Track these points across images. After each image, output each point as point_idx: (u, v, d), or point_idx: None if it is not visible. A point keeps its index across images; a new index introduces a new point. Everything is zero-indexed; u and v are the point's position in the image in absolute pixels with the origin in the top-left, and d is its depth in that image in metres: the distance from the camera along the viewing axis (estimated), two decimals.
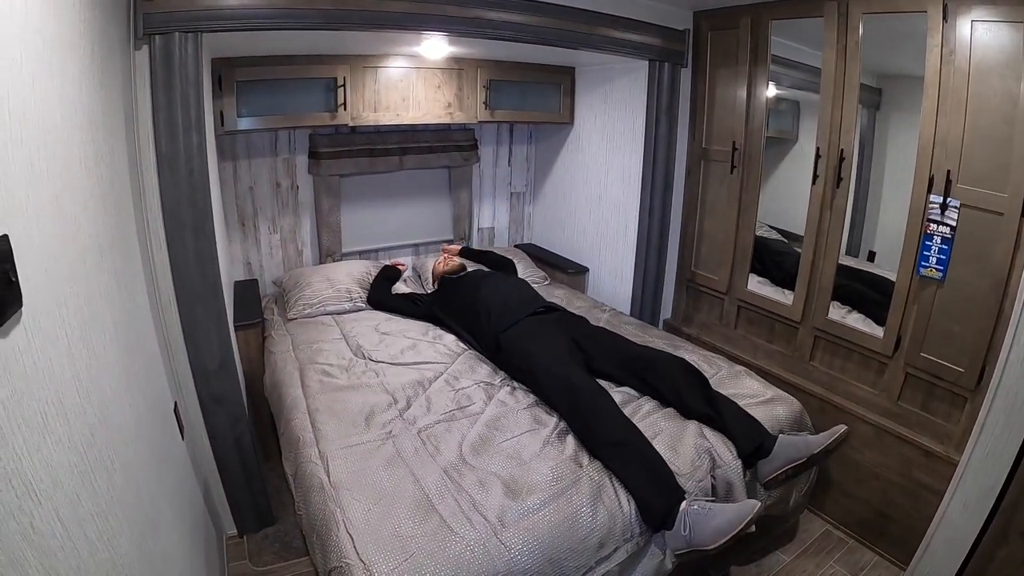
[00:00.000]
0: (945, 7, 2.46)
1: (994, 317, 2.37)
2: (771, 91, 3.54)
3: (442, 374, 2.83)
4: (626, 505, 2.05)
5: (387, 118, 3.63)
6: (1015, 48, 2.29)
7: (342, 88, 3.41)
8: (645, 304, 3.81)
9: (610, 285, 4.16)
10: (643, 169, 3.61)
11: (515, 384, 2.78)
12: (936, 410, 2.67)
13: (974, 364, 2.47)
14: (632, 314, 3.84)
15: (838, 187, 2.96)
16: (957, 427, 2.56)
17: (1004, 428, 2.23)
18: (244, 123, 3.31)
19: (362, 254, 4.23)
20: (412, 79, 3.68)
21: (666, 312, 4.06)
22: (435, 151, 4.20)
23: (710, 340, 3.71)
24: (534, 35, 2.99)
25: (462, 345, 3.17)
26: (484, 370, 2.91)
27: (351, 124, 3.53)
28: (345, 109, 3.44)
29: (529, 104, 4.20)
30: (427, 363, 2.92)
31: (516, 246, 4.80)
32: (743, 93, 3.35)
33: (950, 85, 2.48)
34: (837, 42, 2.88)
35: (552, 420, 2.45)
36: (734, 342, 3.63)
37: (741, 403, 2.58)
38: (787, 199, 3.34)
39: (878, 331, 2.82)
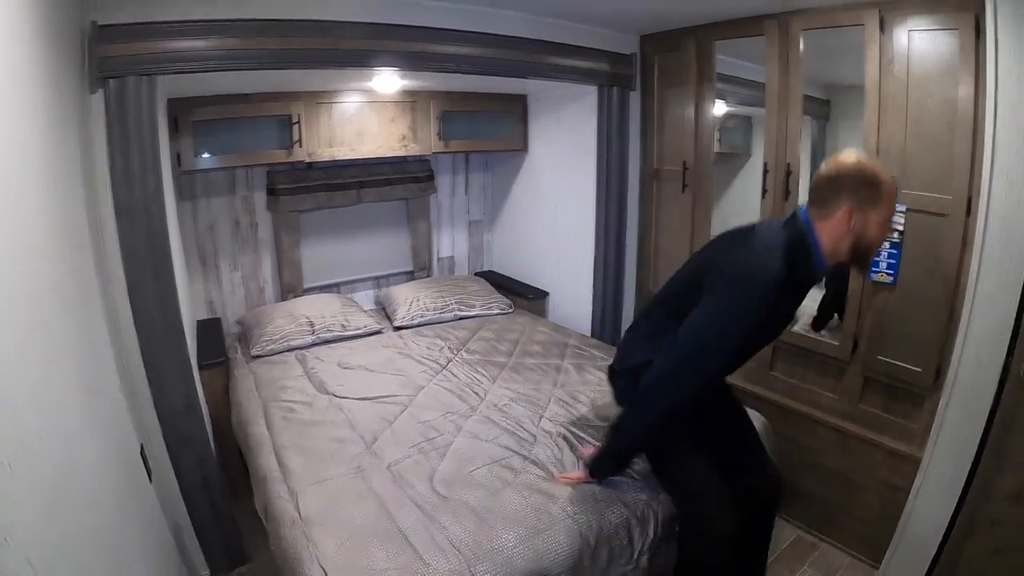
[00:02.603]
0: (882, 18, 2.65)
1: (946, 316, 2.53)
2: (722, 109, 3.78)
3: (407, 407, 2.90)
4: (593, 539, 2.09)
5: (342, 153, 3.80)
6: (952, 54, 2.46)
7: (297, 125, 3.55)
8: (606, 325, 3.97)
9: (570, 308, 4.31)
10: (596, 191, 3.79)
11: (484, 415, 2.85)
12: (897, 410, 2.80)
13: (930, 363, 2.61)
14: (593, 335, 4.00)
15: (787, 200, 3.14)
16: (918, 425, 2.68)
17: (962, 423, 2.36)
18: (202, 163, 3.41)
19: (324, 288, 4.31)
20: (366, 113, 3.87)
21: None
22: (392, 183, 4.35)
23: None
24: (484, 66, 3.17)
25: (427, 375, 3.23)
26: (449, 400, 2.97)
27: (307, 160, 3.68)
28: (300, 145, 3.59)
29: (483, 133, 4.41)
30: (391, 396, 2.99)
31: (477, 274, 4.94)
32: (691, 113, 3.55)
33: (890, 93, 2.66)
34: (779, 58, 3.08)
35: (522, 449, 2.52)
36: None
37: None
38: (743, 213, 3.49)
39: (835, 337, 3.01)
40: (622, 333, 3.95)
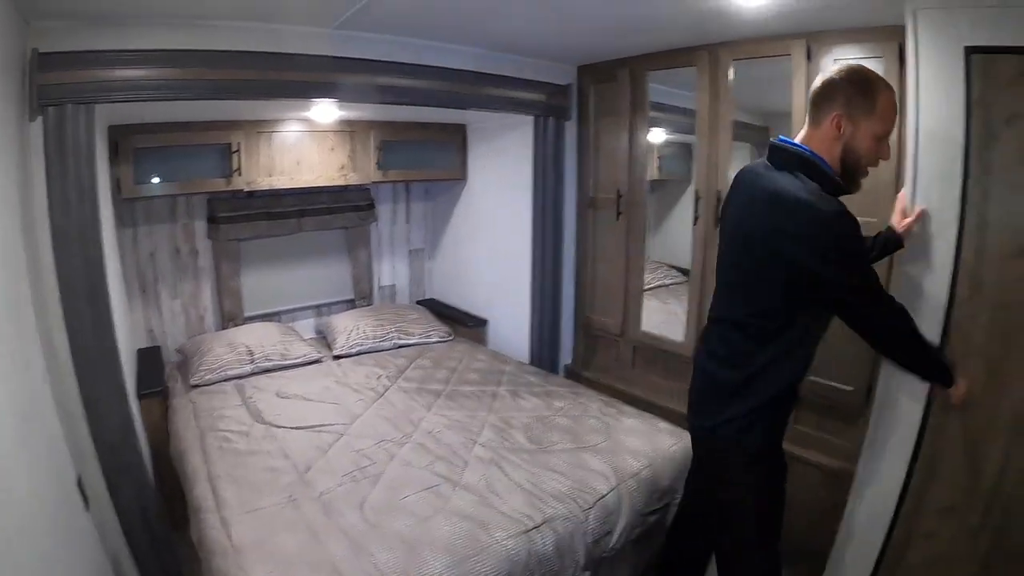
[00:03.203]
0: (809, 48, 2.89)
1: None
2: (661, 136, 4.07)
3: (342, 435, 3.02)
4: (522, 565, 2.22)
5: (281, 182, 3.96)
6: None
7: (236, 154, 3.70)
8: (544, 352, 4.18)
9: (510, 335, 4.51)
10: (533, 219, 4.03)
11: (417, 442, 2.98)
12: (832, 429, 3.01)
13: (861, 382, 2.83)
14: (532, 363, 4.19)
15: (717, 227, 3.17)
16: (852, 443, 2.82)
17: (892, 438, 2.51)
18: (142, 190, 3.51)
19: (265, 317, 4.45)
20: (306, 142, 4.05)
21: (567, 358, 4.44)
22: (332, 212, 4.55)
23: (609, 383, 4.04)
24: (422, 98, 3.37)
25: (364, 404, 3.38)
26: (384, 428, 3.10)
27: (246, 189, 3.81)
28: (240, 174, 3.74)
29: (423, 162, 4.63)
30: (327, 425, 3.12)
31: (418, 302, 5.15)
32: (625, 142, 3.82)
33: None
34: (710, 87, 3.34)
35: (453, 476, 2.66)
36: (633, 382, 3.99)
37: (635, 439, 2.98)
38: (684, 238, 3.68)
39: None
40: (560, 359, 4.23)
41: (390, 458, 2.84)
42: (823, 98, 1.89)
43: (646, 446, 2.99)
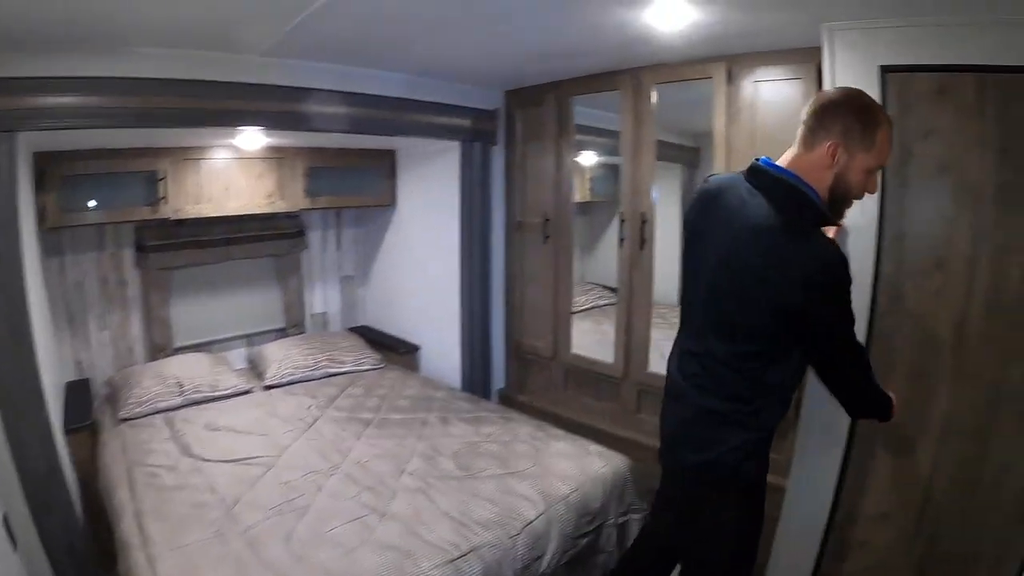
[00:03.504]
0: (729, 71, 3.07)
1: None
2: (592, 159, 4.28)
3: (270, 468, 3.06)
4: None
5: (209, 210, 3.99)
6: (796, 102, 2.81)
7: (163, 181, 3.72)
8: (476, 377, 4.30)
9: (442, 361, 4.62)
10: (460, 244, 4.17)
11: (345, 473, 3.04)
12: None
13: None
14: (465, 388, 4.30)
15: (643, 249, 3.56)
16: (784, 456, 2.89)
17: (821, 450, 2.66)
18: (68, 218, 3.51)
19: (195, 347, 4.45)
20: (234, 170, 4.10)
21: (500, 382, 4.59)
22: (262, 239, 4.61)
23: (542, 406, 4.19)
24: (349, 125, 3.47)
25: (293, 435, 3.44)
26: (313, 460, 3.15)
27: (172, 217, 3.83)
28: (167, 202, 3.77)
29: (352, 188, 4.74)
30: (255, 457, 3.16)
31: (350, 329, 5.20)
32: (551, 166, 4.00)
33: (737, 142, 3.07)
34: (633, 110, 3.51)
35: (380, 506, 2.72)
36: (565, 404, 4.14)
37: (564, 462, 3.09)
38: (614, 259, 3.84)
39: None
40: (493, 384, 4.34)
41: (318, 489, 2.89)
42: (820, 122, 1.83)
43: (575, 469, 3.09)
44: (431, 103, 3.84)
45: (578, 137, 4.07)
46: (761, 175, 1.90)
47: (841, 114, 1.80)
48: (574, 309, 4.35)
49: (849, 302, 1.80)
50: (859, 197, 1.92)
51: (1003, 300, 2.32)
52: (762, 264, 1.81)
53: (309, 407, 3.88)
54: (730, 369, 1.97)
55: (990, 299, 2.33)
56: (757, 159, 1.94)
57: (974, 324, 2.37)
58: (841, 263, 1.75)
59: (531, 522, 2.70)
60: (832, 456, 2.68)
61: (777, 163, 1.90)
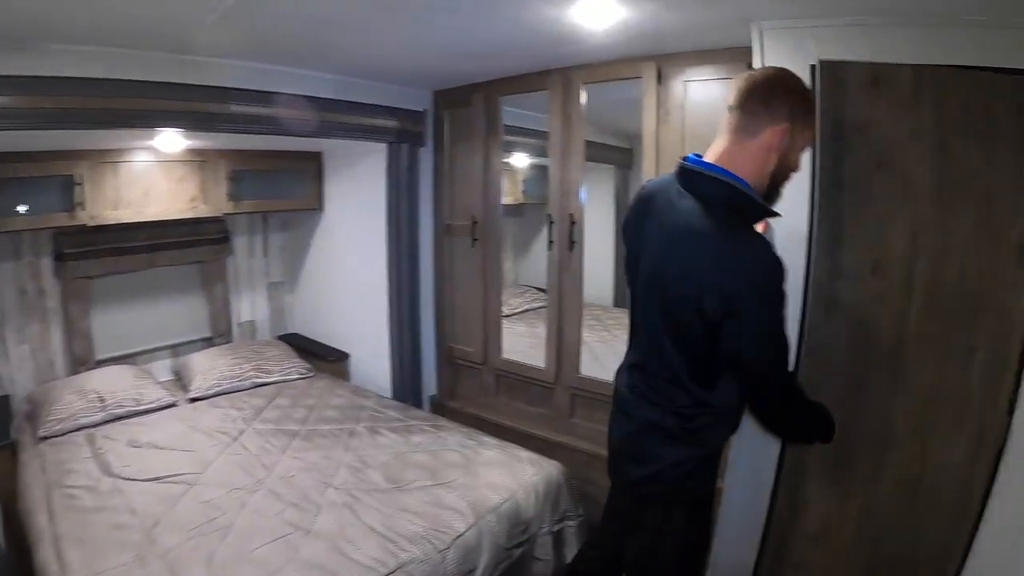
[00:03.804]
0: (660, 71, 3.13)
1: None
2: (524, 160, 4.37)
3: (192, 485, 3.04)
4: None
5: (128, 215, 3.93)
6: (725, 102, 2.93)
7: (80, 186, 3.67)
8: (406, 384, 4.34)
9: (372, 369, 4.63)
10: (388, 248, 4.20)
11: (270, 488, 3.03)
12: None
13: None
14: (396, 396, 4.34)
15: (572, 250, 3.62)
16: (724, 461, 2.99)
17: (753, 465, 2.74)
18: None
19: (119, 360, 4.40)
20: (154, 173, 4.05)
21: (432, 388, 4.63)
22: (186, 246, 4.58)
23: (475, 412, 4.24)
24: (271, 126, 3.45)
25: (217, 450, 3.41)
26: (236, 475, 3.14)
27: (90, 224, 3.77)
28: (84, 208, 3.71)
29: (277, 192, 4.74)
30: (177, 475, 3.13)
31: (279, 337, 5.20)
32: (480, 167, 4.03)
33: (667, 143, 3.13)
34: (562, 110, 3.56)
35: (305, 523, 2.72)
36: (498, 410, 4.20)
37: (495, 471, 3.13)
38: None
39: None
40: (425, 390, 4.37)
41: (241, 507, 2.86)
42: (765, 106, 1.75)
43: (506, 478, 3.13)
44: (357, 104, 3.85)
45: (508, 138, 4.11)
46: (689, 174, 1.85)
47: (788, 96, 1.76)
48: (508, 312, 4.43)
49: (782, 310, 1.74)
50: (788, 178, 1.91)
51: (941, 301, 2.36)
52: (693, 270, 1.77)
53: (235, 420, 3.86)
54: (673, 384, 1.94)
55: (928, 300, 2.38)
56: (684, 158, 1.89)
57: (912, 327, 2.41)
58: (776, 265, 1.70)
59: (461, 535, 2.73)
60: (764, 473, 2.77)
61: (705, 159, 1.85)
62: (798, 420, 1.96)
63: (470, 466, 3.27)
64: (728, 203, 1.76)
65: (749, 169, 1.78)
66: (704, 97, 3.09)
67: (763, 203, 1.80)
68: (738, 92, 1.81)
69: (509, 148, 4.25)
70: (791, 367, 1.90)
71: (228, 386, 4.33)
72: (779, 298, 1.72)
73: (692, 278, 1.77)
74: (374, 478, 3.16)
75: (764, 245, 1.73)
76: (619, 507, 2.35)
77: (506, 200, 4.38)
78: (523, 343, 4.21)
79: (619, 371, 2.23)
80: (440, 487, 3.07)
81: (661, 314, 1.92)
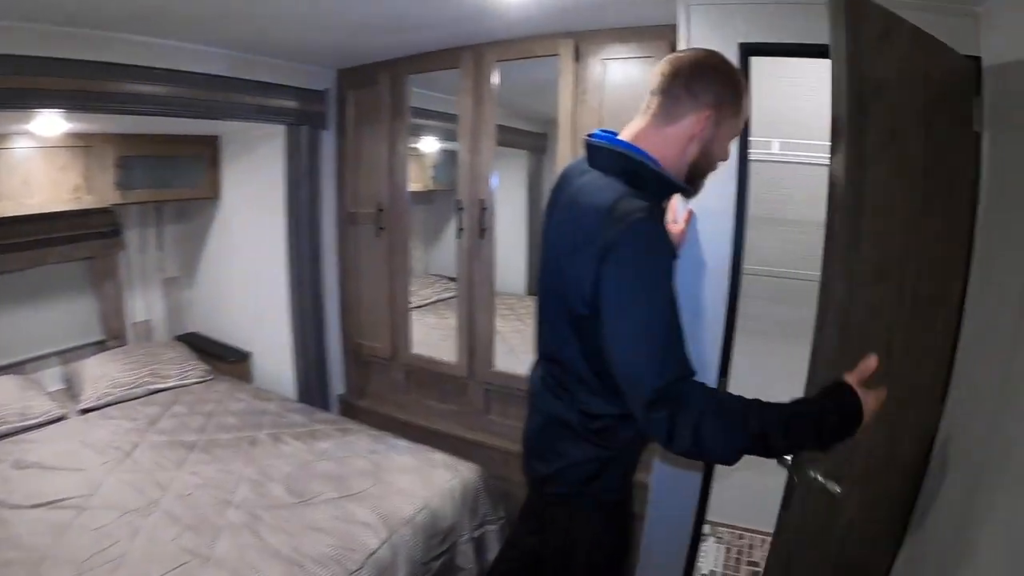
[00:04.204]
0: (577, 48, 3.10)
1: None
2: (434, 146, 4.33)
3: (82, 511, 2.90)
4: None
5: (6, 208, 3.77)
6: (645, 82, 2.63)
7: None
8: (311, 383, 4.27)
9: (275, 368, 4.55)
10: (287, 239, 4.11)
11: (165, 510, 2.91)
12: None
13: None
14: (301, 397, 4.27)
15: (482, 237, 3.59)
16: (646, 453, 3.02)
17: (677, 479, 2.74)
18: None
19: (3, 370, 4.23)
20: (34, 161, 3.86)
21: (340, 387, 4.57)
22: (74, 241, 4.41)
23: (386, 411, 4.21)
24: (160, 106, 3.33)
25: (109, 467, 3.29)
26: (129, 497, 3.02)
27: None
28: None
29: (170, 180, 4.56)
30: (64, 500, 2.99)
31: (177, 338, 5.07)
32: (385, 152, 3.97)
33: (584, 124, 3.08)
34: (473, 90, 3.51)
35: (203, 549, 2.63)
36: (409, 409, 4.16)
37: (407, 478, 3.10)
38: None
39: None
40: (332, 390, 4.30)
41: (134, 534, 2.73)
42: (688, 90, 1.71)
43: (420, 485, 3.09)
44: (253, 82, 3.74)
45: (418, 121, 4.06)
46: (591, 149, 1.82)
47: (714, 80, 1.72)
48: (419, 303, 4.43)
49: (663, 304, 1.59)
50: (714, 168, 1.89)
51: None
52: (578, 250, 1.70)
53: (127, 432, 3.72)
54: (577, 378, 1.90)
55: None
56: (590, 134, 1.85)
57: None
58: (654, 247, 1.61)
59: (374, 552, 2.68)
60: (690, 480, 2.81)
61: (619, 137, 1.81)
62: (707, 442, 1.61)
63: (380, 473, 3.22)
64: (627, 176, 1.73)
65: (663, 154, 1.75)
66: (624, 76, 3.08)
67: (667, 175, 1.75)
68: (661, 75, 1.78)
69: (417, 131, 4.21)
70: (686, 378, 1.61)
71: (121, 394, 4.17)
72: (654, 288, 1.60)
73: (576, 259, 1.71)
74: (277, 492, 3.08)
75: (647, 224, 1.62)
76: (532, 505, 2.32)
77: (415, 187, 4.34)
78: (435, 336, 4.19)
79: (535, 362, 2.19)
80: (349, 499, 3.01)
81: (557, 300, 1.88)
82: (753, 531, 3.81)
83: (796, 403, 1.64)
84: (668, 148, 1.75)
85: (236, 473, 3.26)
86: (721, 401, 1.60)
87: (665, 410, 1.54)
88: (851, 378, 1.63)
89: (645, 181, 1.72)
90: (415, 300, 4.43)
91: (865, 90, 1.78)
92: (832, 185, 1.86)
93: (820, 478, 1.84)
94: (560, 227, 1.87)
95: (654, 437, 1.62)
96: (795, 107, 3.42)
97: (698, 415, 1.53)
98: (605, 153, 1.78)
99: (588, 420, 1.92)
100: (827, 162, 2.68)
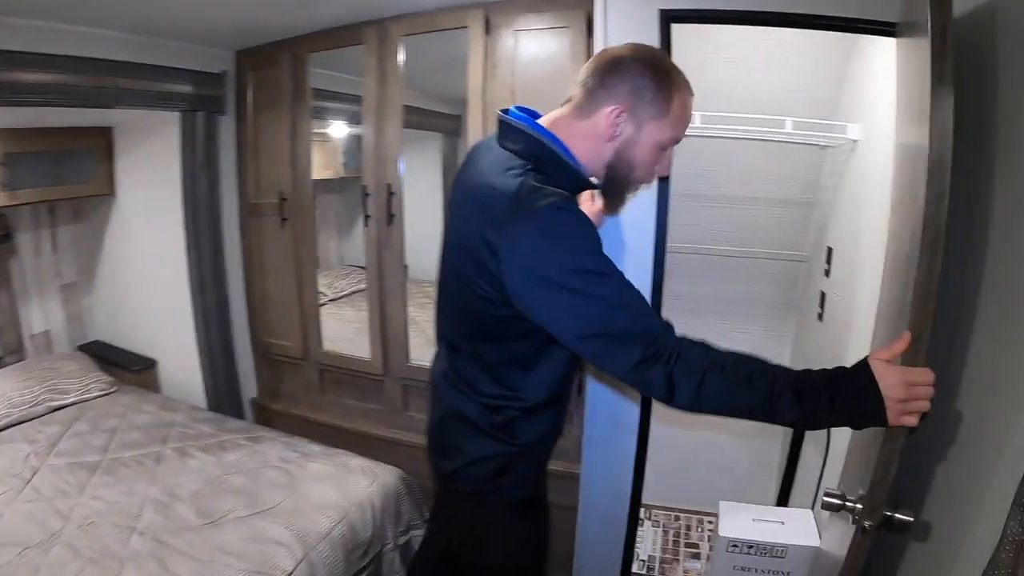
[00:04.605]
0: (488, 20, 3.06)
1: None
2: (344, 130, 4.27)
3: None
4: None
5: None
6: (561, 54, 2.93)
7: None
8: (221, 389, 4.19)
9: (183, 374, 4.46)
10: (186, 234, 4.01)
11: (66, 542, 2.80)
12: None
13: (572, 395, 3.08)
14: (211, 405, 4.19)
15: (391, 225, 3.56)
16: (570, 442, 3.10)
17: (612, 434, 2.78)
18: None
19: None
20: None
21: (253, 390, 4.52)
22: None
23: (301, 413, 4.18)
24: (42, 95, 3.27)
25: (7, 498, 3.17)
26: (28, 530, 2.92)
27: None
28: None
29: (62, 177, 4.45)
30: None
31: (80, 348, 4.95)
32: (287, 137, 3.89)
33: (495, 100, 3.08)
34: (378, 69, 3.46)
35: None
36: (326, 410, 4.14)
37: (323, 487, 3.06)
38: None
39: None
40: (245, 394, 4.26)
41: (35, 572, 2.63)
42: (602, 82, 1.66)
43: (336, 495, 3.04)
44: (145, 66, 3.66)
45: (322, 104, 4.02)
46: (505, 128, 1.75)
47: (630, 72, 1.64)
48: (334, 296, 4.43)
49: (600, 256, 1.57)
50: (646, 180, 1.79)
51: None
52: (477, 232, 1.65)
53: (27, 457, 3.58)
54: (477, 367, 1.86)
55: None
56: (504, 110, 1.77)
57: None
58: (565, 210, 1.56)
59: (290, 574, 2.63)
60: (625, 440, 2.84)
61: (534, 115, 1.75)
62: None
63: (294, 484, 3.16)
64: (534, 161, 1.67)
65: (577, 151, 1.71)
66: (537, 49, 3.08)
67: (575, 166, 1.71)
68: (586, 66, 1.73)
69: (323, 115, 4.16)
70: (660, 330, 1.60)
71: (19, 415, 4.02)
72: (577, 276, 1.55)
73: (480, 241, 1.64)
74: (184, 514, 2.98)
75: (559, 208, 1.56)
76: (440, 501, 2.32)
77: (325, 174, 4.32)
78: (351, 330, 4.17)
79: (436, 352, 2.15)
80: (261, 516, 2.94)
81: (459, 284, 1.81)
82: (688, 511, 3.83)
83: (806, 371, 1.59)
84: (581, 144, 1.71)
85: (140, 495, 3.16)
86: (719, 356, 1.59)
87: (659, 365, 1.54)
88: (881, 354, 1.56)
89: (550, 168, 1.67)
90: (331, 293, 4.44)
91: None
92: None
93: None
94: (463, 208, 1.81)
95: (654, 395, 1.63)
96: (719, 78, 3.43)
97: (699, 370, 1.54)
98: (517, 133, 1.71)
99: (490, 414, 1.89)
100: (754, 136, 2.88)
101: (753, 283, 3.93)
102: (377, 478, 3.22)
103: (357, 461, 3.37)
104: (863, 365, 1.52)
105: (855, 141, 3.08)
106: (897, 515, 1.61)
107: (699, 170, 3.69)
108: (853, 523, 1.68)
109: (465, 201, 1.80)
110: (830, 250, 3.37)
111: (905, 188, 1.79)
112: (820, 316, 3.46)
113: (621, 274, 1.58)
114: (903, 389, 1.47)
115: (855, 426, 1.60)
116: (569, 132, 1.71)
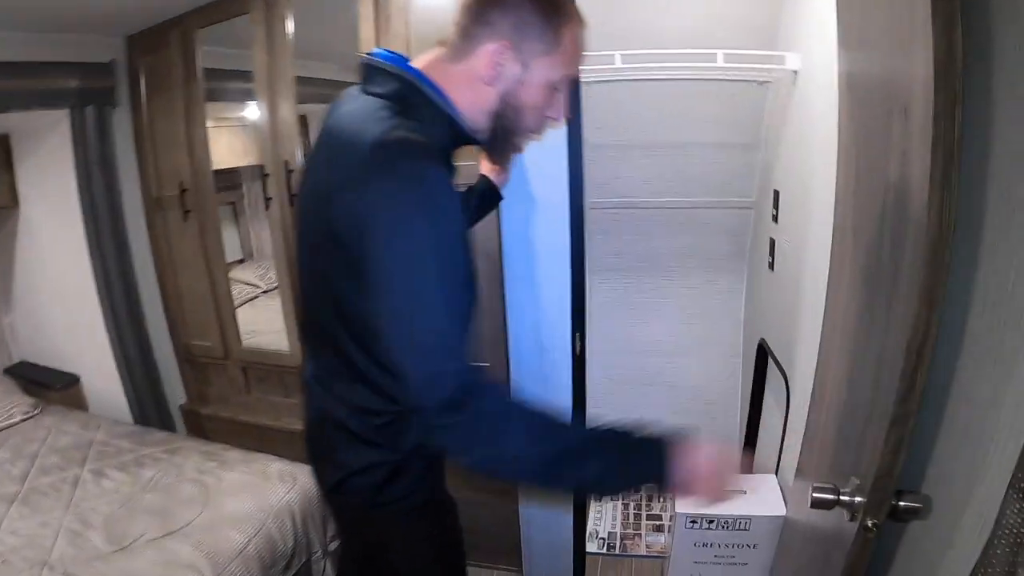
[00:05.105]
0: None
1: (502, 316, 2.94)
2: (255, 113, 3.99)
3: None
4: None
5: None
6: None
7: None
8: (145, 398, 4.21)
9: (105, 388, 4.48)
10: (87, 238, 4.01)
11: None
12: None
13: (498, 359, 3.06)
14: (138, 416, 4.23)
15: (293, 205, 3.51)
16: None
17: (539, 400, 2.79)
18: None
19: None
20: None
21: (181, 396, 4.55)
22: None
23: (231, 415, 4.20)
24: None
25: None
26: None
27: None
28: None
29: None
30: None
31: (6, 371, 4.97)
32: (183, 124, 3.87)
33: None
34: (267, 40, 3.42)
35: None
36: (254, 409, 4.15)
37: (239, 499, 3.04)
38: None
39: None
40: (172, 401, 4.31)
41: None
42: (479, 17, 1.52)
43: (252, 506, 3.02)
44: (23, 64, 3.63)
45: (223, 85, 4.02)
46: (369, 71, 1.60)
47: (512, 4, 1.50)
48: (266, 288, 4.45)
49: (437, 249, 1.41)
50: (537, 129, 1.68)
51: None
52: (339, 199, 1.48)
53: None
54: (347, 365, 1.70)
55: None
56: (368, 52, 1.61)
57: None
58: (428, 170, 1.41)
59: None
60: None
61: (402, 57, 1.58)
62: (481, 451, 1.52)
63: (210, 498, 3.13)
64: (402, 105, 1.51)
65: (456, 98, 1.58)
66: None
67: (449, 109, 1.58)
68: (458, 9, 1.55)
69: (223, 97, 4.14)
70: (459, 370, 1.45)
71: None
72: (427, 249, 1.39)
73: (334, 209, 1.49)
74: (96, 541, 2.94)
75: (422, 165, 1.41)
76: (333, 513, 2.29)
77: (246, 161, 4.38)
78: (280, 322, 4.11)
79: (303, 348, 1.99)
80: (173, 536, 2.91)
81: (316, 263, 1.67)
82: None
83: (604, 428, 1.53)
84: (459, 91, 1.57)
85: (54, 524, 3.13)
86: (522, 407, 1.51)
87: (446, 413, 1.44)
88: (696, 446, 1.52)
89: (423, 114, 1.52)
90: (264, 284, 4.45)
91: None
92: None
93: None
94: (317, 171, 1.65)
95: (434, 445, 1.60)
96: (638, 11, 3.40)
97: (493, 418, 1.46)
98: (383, 75, 1.56)
99: (367, 417, 1.75)
100: (683, 75, 2.84)
101: (699, 235, 3.86)
102: (296, 483, 3.19)
103: (277, 466, 3.33)
104: (666, 447, 1.52)
105: (795, 72, 2.98)
106: (903, 503, 1.50)
107: (629, 118, 3.61)
108: (851, 520, 1.57)
109: (321, 163, 1.66)
110: (776, 194, 3.31)
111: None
112: (771, 265, 3.40)
113: (450, 281, 1.47)
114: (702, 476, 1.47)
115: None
116: (445, 77, 1.57)
